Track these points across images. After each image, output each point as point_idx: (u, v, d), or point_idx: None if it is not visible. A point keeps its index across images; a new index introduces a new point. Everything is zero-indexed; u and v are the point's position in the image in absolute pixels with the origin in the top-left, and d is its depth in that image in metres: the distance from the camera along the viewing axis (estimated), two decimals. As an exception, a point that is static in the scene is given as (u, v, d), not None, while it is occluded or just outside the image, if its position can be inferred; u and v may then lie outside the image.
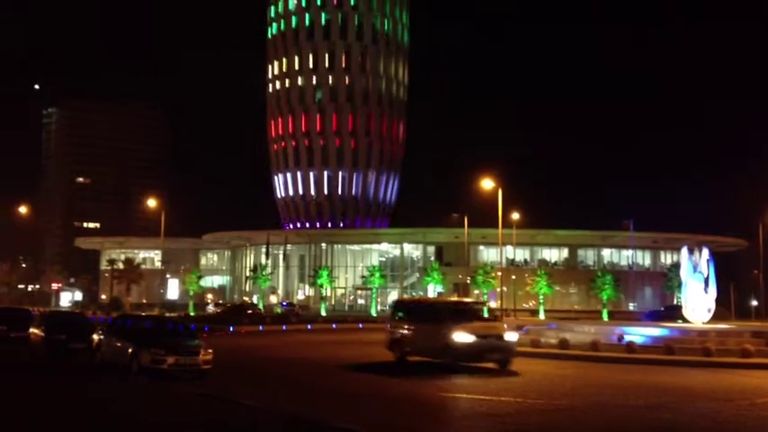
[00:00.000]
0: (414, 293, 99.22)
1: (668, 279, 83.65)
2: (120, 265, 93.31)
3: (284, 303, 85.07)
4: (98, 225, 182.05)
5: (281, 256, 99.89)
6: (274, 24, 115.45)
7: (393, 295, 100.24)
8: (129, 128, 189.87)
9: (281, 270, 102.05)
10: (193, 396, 18.10)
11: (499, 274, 77.60)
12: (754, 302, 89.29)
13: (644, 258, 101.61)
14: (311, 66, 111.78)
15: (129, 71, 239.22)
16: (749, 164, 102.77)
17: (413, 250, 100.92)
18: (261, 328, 50.87)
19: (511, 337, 24.60)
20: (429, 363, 24.62)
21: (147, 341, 21.67)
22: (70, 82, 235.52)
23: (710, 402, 18.09)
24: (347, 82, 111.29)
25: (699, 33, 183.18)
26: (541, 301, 79.53)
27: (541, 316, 74.98)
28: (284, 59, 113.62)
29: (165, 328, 24.20)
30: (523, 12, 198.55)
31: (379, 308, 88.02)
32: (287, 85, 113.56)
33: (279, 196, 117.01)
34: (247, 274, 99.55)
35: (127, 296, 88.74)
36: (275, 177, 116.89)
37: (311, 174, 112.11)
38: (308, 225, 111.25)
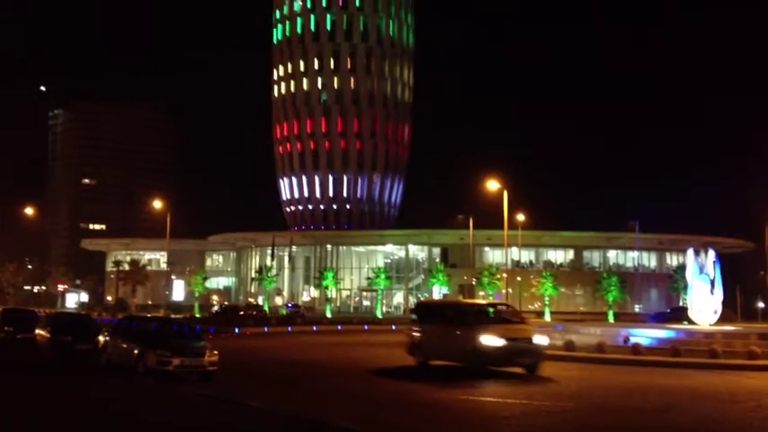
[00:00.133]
0: (419, 295, 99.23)
1: (674, 281, 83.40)
2: (126, 267, 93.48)
3: (289, 305, 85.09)
4: (104, 226, 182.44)
5: (286, 258, 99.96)
6: (279, 26, 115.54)
7: (398, 297, 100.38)
8: (135, 130, 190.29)
9: (286, 271, 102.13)
10: (199, 398, 18.11)
11: (504, 275, 77.50)
12: (761, 304, 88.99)
13: (650, 260, 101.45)
14: (316, 68, 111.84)
15: (135, 73, 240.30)
16: (755, 165, 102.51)
17: (418, 252, 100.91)
18: (266, 329, 50.91)
19: (540, 340, 23.45)
20: (452, 367, 23.77)
21: (153, 343, 21.70)
22: (76, 84, 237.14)
23: (717, 404, 18.05)
24: (352, 84, 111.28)
25: (701, 32, 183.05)
26: (547, 302, 79.38)
27: (547, 318, 74.80)
28: (289, 61, 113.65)
29: (170, 329, 24.26)
30: (524, 12, 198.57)
31: (384, 309, 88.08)
32: (292, 86, 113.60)
33: (284, 198, 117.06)
34: (253, 275, 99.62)
35: (132, 297, 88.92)
36: (281, 181, 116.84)
37: (316, 177, 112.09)
38: (312, 227, 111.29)
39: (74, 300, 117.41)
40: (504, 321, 24.59)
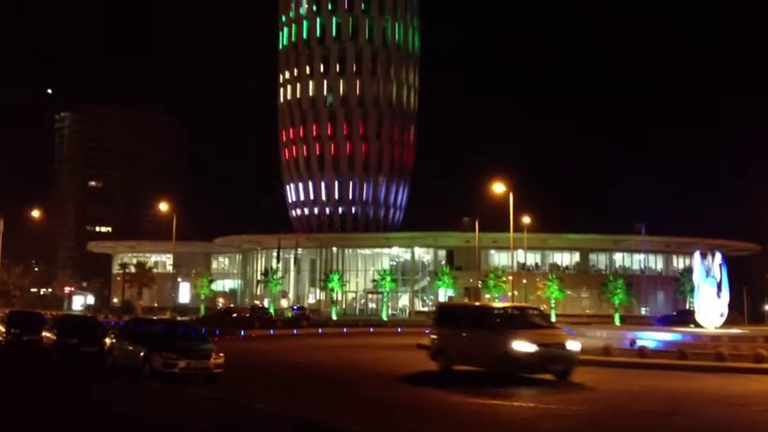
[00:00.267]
0: (425, 298, 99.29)
1: (680, 283, 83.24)
2: (132, 269, 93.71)
3: (295, 307, 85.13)
4: (110, 229, 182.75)
5: (292, 260, 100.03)
6: (285, 29, 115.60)
7: (404, 299, 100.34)
8: (141, 132, 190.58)
9: (291, 274, 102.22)
10: (205, 400, 18.12)
11: (510, 278, 77.42)
12: (767, 307, 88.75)
13: (656, 262, 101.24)
14: (322, 70, 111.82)
15: (140, 76, 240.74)
16: (762, 167, 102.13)
17: (424, 254, 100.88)
18: (272, 332, 50.97)
19: (573, 345, 22.42)
20: (479, 372, 22.99)
21: (159, 345, 21.73)
22: (81, 86, 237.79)
23: (724, 408, 17.98)
24: (358, 86, 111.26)
25: (708, 32, 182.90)
26: (553, 305, 79.28)
27: (553, 320, 74.68)
28: (295, 64, 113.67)
29: (176, 331, 24.27)
30: (524, 12, 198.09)
31: (390, 312, 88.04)
32: (298, 89, 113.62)
33: (290, 201, 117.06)
34: (258, 277, 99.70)
35: (138, 300, 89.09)
36: (287, 184, 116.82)
37: (322, 179, 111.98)
38: (318, 230, 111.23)
39: (80, 302, 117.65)
40: (534, 326, 23.59)
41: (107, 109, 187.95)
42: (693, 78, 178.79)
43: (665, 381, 22.89)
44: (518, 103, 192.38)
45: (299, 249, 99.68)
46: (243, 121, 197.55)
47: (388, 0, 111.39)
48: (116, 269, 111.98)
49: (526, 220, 77.71)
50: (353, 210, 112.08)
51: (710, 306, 33.24)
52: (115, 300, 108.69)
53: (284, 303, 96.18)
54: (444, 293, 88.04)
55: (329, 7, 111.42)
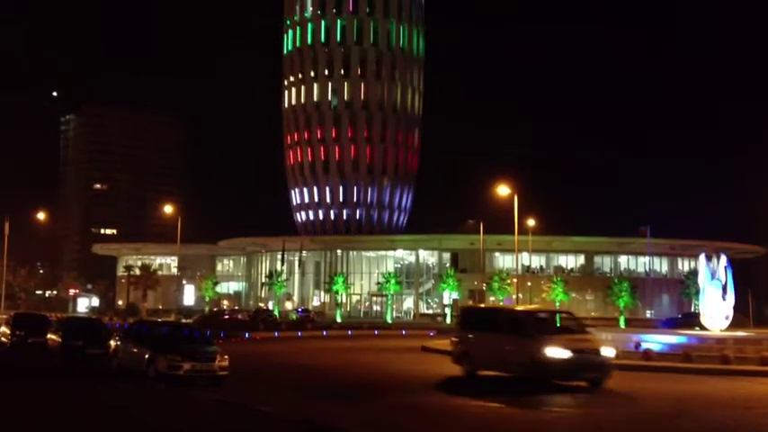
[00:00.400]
0: (429, 300, 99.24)
1: (685, 286, 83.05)
2: (137, 271, 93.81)
3: (300, 310, 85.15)
4: (115, 231, 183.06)
5: (296, 263, 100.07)
6: (290, 32, 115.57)
7: (408, 302, 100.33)
8: (146, 135, 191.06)
9: (296, 276, 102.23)
10: (209, 402, 18.12)
11: (515, 280, 77.32)
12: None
13: (661, 265, 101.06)
14: (326, 73, 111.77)
15: (144, 78, 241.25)
16: (766, 168, 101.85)
17: (428, 257, 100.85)
18: (276, 334, 50.95)
19: (608, 352, 21.74)
20: (506, 378, 22.60)
21: (164, 347, 21.73)
22: (85, 89, 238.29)
23: (729, 411, 17.93)
24: (363, 89, 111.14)
25: (708, 32, 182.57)
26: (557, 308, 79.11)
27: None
28: (300, 67, 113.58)
29: (181, 334, 24.29)
30: (524, 12, 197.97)
31: (394, 314, 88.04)
32: (303, 92, 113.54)
33: (294, 204, 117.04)
34: (263, 280, 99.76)
35: (143, 302, 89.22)
36: (291, 187, 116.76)
37: (327, 182, 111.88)
38: (323, 232, 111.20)
39: (85, 304, 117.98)
40: (567, 330, 22.73)
41: (111, 111, 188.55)
42: (694, 78, 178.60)
43: (670, 383, 22.85)
44: (519, 104, 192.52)
45: (304, 252, 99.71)
46: (247, 123, 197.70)
47: (393, 3, 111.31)
48: (121, 271, 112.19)
49: (531, 222, 77.63)
50: (358, 212, 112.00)
51: (716, 309, 33.13)
52: (120, 302, 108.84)
53: (289, 306, 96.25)
54: (449, 296, 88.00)
55: (334, 10, 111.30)
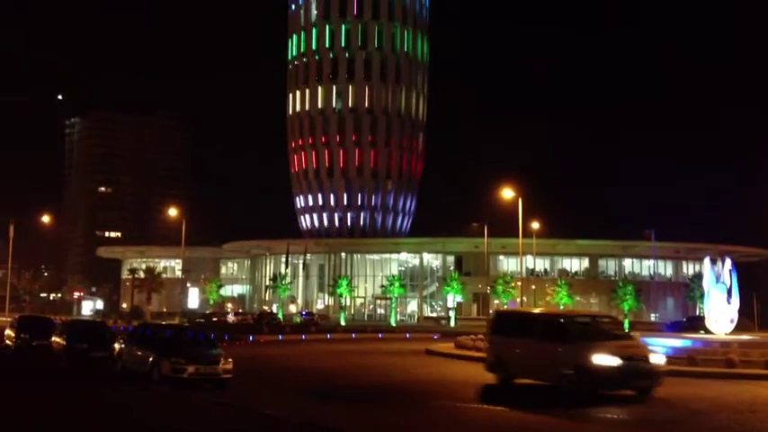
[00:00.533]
0: (433, 303, 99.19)
1: (690, 289, 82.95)
2: (141, 274, 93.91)
3: (304, 313, 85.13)
4: (119, 234, 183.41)
5: (300, 266, 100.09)
6: (294, 36, 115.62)
7: (412, 305, 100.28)
8: (151, 138, 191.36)
9: (300, 279, 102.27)
10: (213, 405, 18.11)
11: (519, 283, 77.23)
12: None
13: (666, 268, 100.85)
14: (331, 77, 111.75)
15: (150, 81, 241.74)
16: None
17: (432, 260, 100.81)
18: (280, 337, 51.00)
19: (658, 359, 20.80)
20: (545, 386, 21.63)
21: (168, 350, 21.77)
22: (91, 92, 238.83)
23: (735, 414, 17.89)
24: (367, 94, 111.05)
25: (714, 35, 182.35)
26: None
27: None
28: (305, 71, 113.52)
29: (185, 337, 24.30)
30: (525, 12, 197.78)
31: (398, 317, 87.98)
32: (307, 96, 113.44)
33: (299, 207, 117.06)
34: (267, 283, 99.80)
35: (148, 305, 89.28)
36: (296, 190, 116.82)
37: (331, 186, 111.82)
38: (327, 236, 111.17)
39: (89, 307, 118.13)
40: (613, 336, 21.71)
41: (116, 114, 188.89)
42: (698, 80, 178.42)
43: (674, 387, 22.75)
44: (523, 107, 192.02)
45: (308, 255, 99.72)
46: (251, 127, 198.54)
47: (398, 7, 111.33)
48: (125, 274, 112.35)
49: (535, 225, 77.50)
50: (362, 216, 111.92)
51: (720, 312, 33.04)
52: (124, 305, 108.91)
53: (293, 309, 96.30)
54: (453, 299, 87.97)
55: (338, 15, 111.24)
